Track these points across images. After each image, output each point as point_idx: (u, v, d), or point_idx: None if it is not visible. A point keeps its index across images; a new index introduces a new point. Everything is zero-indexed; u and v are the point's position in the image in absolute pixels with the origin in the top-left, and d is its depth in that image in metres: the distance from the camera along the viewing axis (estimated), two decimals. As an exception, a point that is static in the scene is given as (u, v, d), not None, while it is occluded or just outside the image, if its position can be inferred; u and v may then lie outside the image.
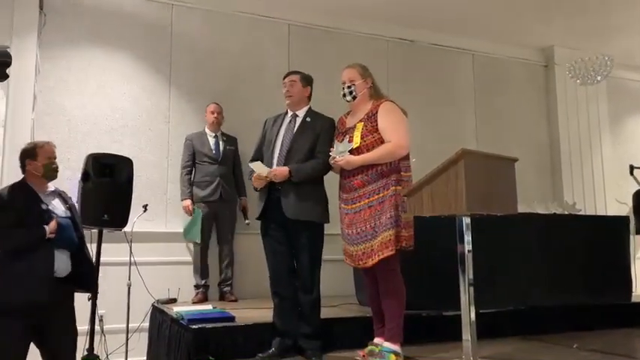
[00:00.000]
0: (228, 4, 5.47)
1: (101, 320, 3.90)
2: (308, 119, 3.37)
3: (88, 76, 4.91)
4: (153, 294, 4.50)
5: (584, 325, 4.26)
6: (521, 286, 4.19)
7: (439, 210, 2.76)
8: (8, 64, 3.62)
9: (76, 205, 3.24)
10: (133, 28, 5.10)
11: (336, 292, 4.50)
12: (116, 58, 5.03)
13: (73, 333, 3.09)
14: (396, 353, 3.02)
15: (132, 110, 5.03)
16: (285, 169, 3.20)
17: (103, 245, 3.53)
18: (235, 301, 4.68)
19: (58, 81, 4.81)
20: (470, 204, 2.65)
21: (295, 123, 3.38)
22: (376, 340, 3.16)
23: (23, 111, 4.55)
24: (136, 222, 4.21)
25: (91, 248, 3.31)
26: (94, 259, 3.32)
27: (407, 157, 3.17)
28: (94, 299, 3.40)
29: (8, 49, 3.65)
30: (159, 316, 4.22)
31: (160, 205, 4.95)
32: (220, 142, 4.97)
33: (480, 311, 2.94)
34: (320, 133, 3.33)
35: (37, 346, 2.96)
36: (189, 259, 4.89)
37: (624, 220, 5.09)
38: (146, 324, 4.49)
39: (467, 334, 2.82)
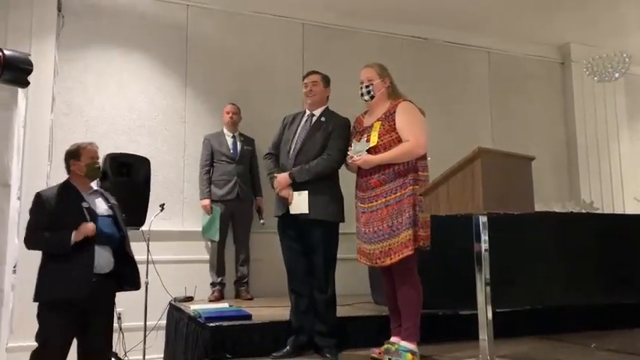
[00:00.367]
0: (243, 4, 5.50)
1: (119, 318, 3.95)
2: (323, 119, 3.39)
3: (106, 77, 4.97)
4: (170, 292, 4.56)
5: (601, 324, 4.21)
6: (537, 286, 4.15)
7: (456, 209, 2.75)
8: (29, 71, 3.69)
9: (117, 204, 3.28)
10: (149, 29, 5.15)
11: (352, 291, 4.49)
12: (133, 59, 5.09)
13: (111, 329, 3.15)
14: (412, 352, 3.02)
15: (148, 110, 5.08)
16: (285, 177, 3.26)
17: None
18: (251, 299, 4.71)
19: (76, 82, 4.87)
20: (487, 203, 2.65)
21: (311, 122, 3.40)
22: (393, 338, 3.16)
23: (42, 112, 4.62)
24: (153, 221, 4.26)
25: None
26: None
27: (424, 157, 3.16)
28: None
29: (29, 57, 3.72)
30: (176, 314, 4.27)
31: (176, 204, 4.99)
32: (238, 142, 5.00)
33: (497, 310, 2.93)
34: (332, 131, 3.34)
35: (77, 339, 3.02)
36: (206, 257, 4.93)
37: (642, 218, 5.02)
38: (163, 322, 4.54)
39: (484, 333, 2.82)
